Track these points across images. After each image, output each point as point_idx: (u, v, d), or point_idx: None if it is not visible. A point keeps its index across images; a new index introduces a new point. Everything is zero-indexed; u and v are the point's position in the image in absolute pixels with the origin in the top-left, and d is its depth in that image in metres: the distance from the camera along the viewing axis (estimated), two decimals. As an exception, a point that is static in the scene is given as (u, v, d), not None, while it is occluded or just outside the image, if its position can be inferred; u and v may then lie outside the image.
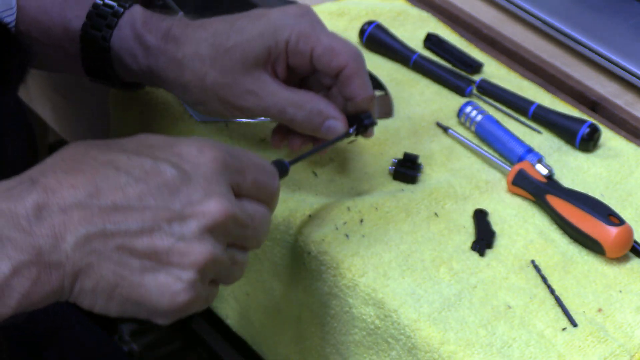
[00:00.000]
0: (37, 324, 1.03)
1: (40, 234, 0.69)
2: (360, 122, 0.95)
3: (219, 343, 1.50)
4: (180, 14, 1.05)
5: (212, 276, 0.74)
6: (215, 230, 0.73)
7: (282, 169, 0.86)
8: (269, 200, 0.79)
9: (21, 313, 0.70)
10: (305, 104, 0.94)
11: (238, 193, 0.76)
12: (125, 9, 0.98)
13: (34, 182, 0.70)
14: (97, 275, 0.70)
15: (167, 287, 0.72)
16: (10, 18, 0.93)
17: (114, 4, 0.99)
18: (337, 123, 0.94)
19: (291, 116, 0.94)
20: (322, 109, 0.94)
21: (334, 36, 0.94)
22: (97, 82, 1.03)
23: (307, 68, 0.95)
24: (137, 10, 0.99)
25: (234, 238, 0.76)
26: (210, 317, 1.57)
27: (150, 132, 1.06)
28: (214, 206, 0.72)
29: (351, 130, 0.95)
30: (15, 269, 0.68)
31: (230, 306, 1.04)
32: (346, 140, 0.97)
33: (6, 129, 0.96)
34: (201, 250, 0.72)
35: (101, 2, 0.99)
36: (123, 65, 0.99)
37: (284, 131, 0.98)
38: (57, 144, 1.75)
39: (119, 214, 0.70)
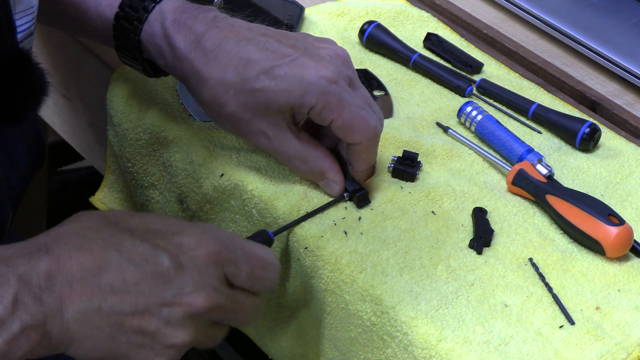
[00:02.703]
0: None
1: (48, 303, 0.76)
2: (355, 193, 0.97)
3: (219, 343, 1.50)
4: (217, 1, 1.04)
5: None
6: (199, 318, 0.80)
7: (266, 240, 0.91)
8: (262, 291, 0.85)
9: None
10: (310, 160, 0.97)
11: (232, 282, 0.82)
12: (155, 3, 0.97)
13: (47, 250, 0.77)
14: (89, 344, 0.78)
15: (151, 359, 0.80)
16: (29, 17, 0.92)
17: None
18: (335, 185, 0.98)
19: (295, 167, 0.98)
20: (324, 170, 0.97)
21: (357, 110, 0.94)
22: (130, 66, 1.03)
23: (325, 125, 0.96)
24: (169, 5, 0.97)
25: (220, 319, 0.83)
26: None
27: (149, 131, 1.06)
28: (200, 298, 0.80)
29: (345, 195, 0.97)
30: (24, 330, 0.75)
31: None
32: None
33: (17, 134, 1.01)
34: (183, 335, 0.80)
35: None
36: (151, 56, 0.99)
37: None
38: (57, 144, 1.75)
39: (115, 296, 0.78)
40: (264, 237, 0.91)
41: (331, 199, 0.97)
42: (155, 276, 0.79)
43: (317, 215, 0.96)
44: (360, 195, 0.97)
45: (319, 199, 0.98)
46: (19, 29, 0.90)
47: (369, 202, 0.98)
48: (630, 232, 0.94)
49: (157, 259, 0.79)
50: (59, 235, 0.79)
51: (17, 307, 0.74)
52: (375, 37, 1.19)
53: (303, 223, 0.95)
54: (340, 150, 1.00)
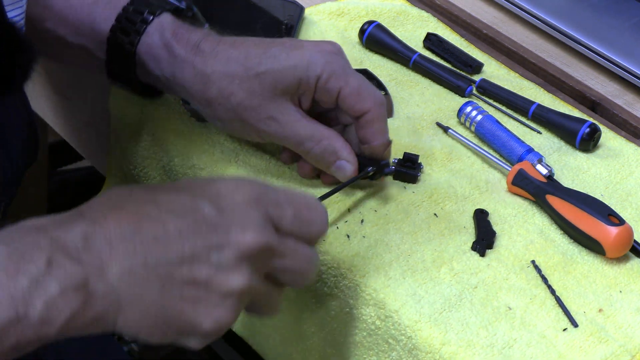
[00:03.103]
0: None
1: (88, 263, 0.71)
2: (379, 165, 0.97)
3: (219, 343, 1.50)
4: (206, 25, 1.05)
5: (247, 303, 0.78)
6: (251, 259, 0.75)
7: None
8: (313, 237, 0.81)
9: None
10: (322, 140, 0.96)
11: (279, 228, 0.78)
12: (154, 16, 0.99)
13: (82, 215, 0.74)
14: (139, 307, 0.73)
15: (208, 314, 0.75)
16: (19, 11, 0.93)
17: (145, 9, 0.99)
18: (348, 165, 0.97)
19: (307, 149, 0.97)
20: (337, 149, 0.96)
21: (362, 79, 0.95)
22: (118, 85, 1.04)
23: (331, 104, 0.96)
24: (166, 19, 0.99)
25: (273, 270, 0.78)
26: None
27: (151, 131, 1.06)
28: (249, 236, 0.75)
29: (369, 169, 0.97)
30: (64, 291, 0.70)
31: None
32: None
33: (11, 124, 0.98)
34: (238, 279, 0.75)
35: (131, 7, 1.00)
36: (145, 70, 1.00)
37: (294, 152, 1.00)
38: (57, 144, 1.75)
39: (159, 246, 0.73)
40: None
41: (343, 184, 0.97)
42: (198, 222, 0.75)
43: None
44: (385, 164, 0.97)
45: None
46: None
47: (393, 170, 0.98)
48: (630, 232, 0.95)
49: (197, 207, 0.75)
50: (90, 204, 0.76)
51: (52, 267, 0.70)
52: (375, 37, 1.19)
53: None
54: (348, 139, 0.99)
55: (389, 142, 0.97)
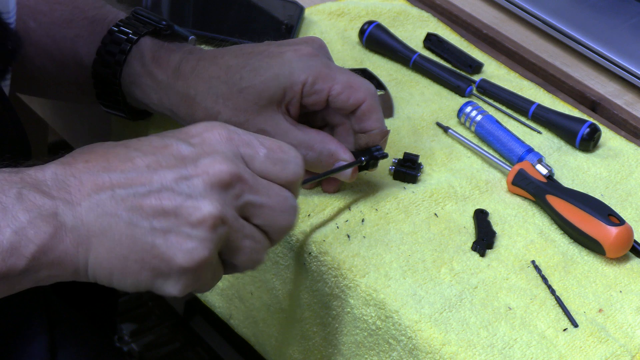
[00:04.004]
0: (31, 323, 1.03)
1: (58, 197, 0.73)
2: (371, 154, 0.96)
3: (219, 343, 1.50)
4: (191, 38, 1.05)
5: (222, 240, 0.76)
6: (222, 188, 0.75)
7: None
8: (288, 179, 0.80)
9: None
10: (316, 145, 0.95)
11: (251, 166, 0.78)
12: (132, 44, 0.98)
13: (55, 160, 0.76)
14: (110, 240, 0.73)
15: (180, 246, 0.74)
16: (11, 18, 0.92)
17: (123, 37, 0.99)
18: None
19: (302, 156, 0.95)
20: (332, 151, 0.95)
21: (349, 73, 0.95)
22: (113, 113, 1.04)
23: (321, 106, 0.95)
24: (145, 44, 0.99)
25: (248, 205, 0.77)
26: (211, 317, 1.57)
27: (151, 132, 1.06)
28: (217, 165, 0.75)
29: (363, 158, 0.96)
30: (32, 220, 0.71)
31: (234, 305, 1.04)
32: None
33: None
34: (208, 207, 0.74)
35: (109, 38, 0.99)
36: (134, 98, 1.00)
37: None
38: (57, 144, 1.75)
39: (127, 180, 0.74)
40: None
41: (344, 176, 0.96)
42: (167, 157, 0.75)
43: (319, 218, 0.96)
44: (376, 148, 0.96)
45: (319, 198, 0.98)
46: None
47: (387, 155, 0.97)
48: (630, 232, 0.95)
49: (166, 144, 0.76)
50: (69, 154, 0.77)
51: (21, 199, 0.72)
52: (375, 37, 1.19)
53: (305, 228, 0.95)
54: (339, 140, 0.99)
55: (387, 131, 0.97)
